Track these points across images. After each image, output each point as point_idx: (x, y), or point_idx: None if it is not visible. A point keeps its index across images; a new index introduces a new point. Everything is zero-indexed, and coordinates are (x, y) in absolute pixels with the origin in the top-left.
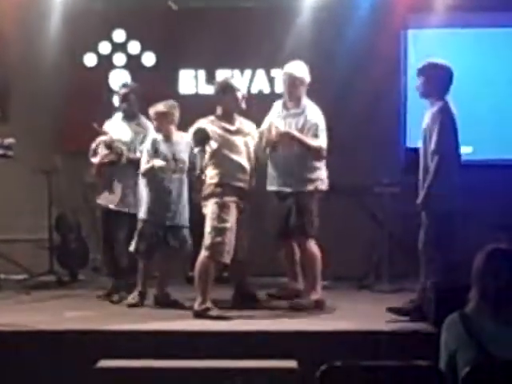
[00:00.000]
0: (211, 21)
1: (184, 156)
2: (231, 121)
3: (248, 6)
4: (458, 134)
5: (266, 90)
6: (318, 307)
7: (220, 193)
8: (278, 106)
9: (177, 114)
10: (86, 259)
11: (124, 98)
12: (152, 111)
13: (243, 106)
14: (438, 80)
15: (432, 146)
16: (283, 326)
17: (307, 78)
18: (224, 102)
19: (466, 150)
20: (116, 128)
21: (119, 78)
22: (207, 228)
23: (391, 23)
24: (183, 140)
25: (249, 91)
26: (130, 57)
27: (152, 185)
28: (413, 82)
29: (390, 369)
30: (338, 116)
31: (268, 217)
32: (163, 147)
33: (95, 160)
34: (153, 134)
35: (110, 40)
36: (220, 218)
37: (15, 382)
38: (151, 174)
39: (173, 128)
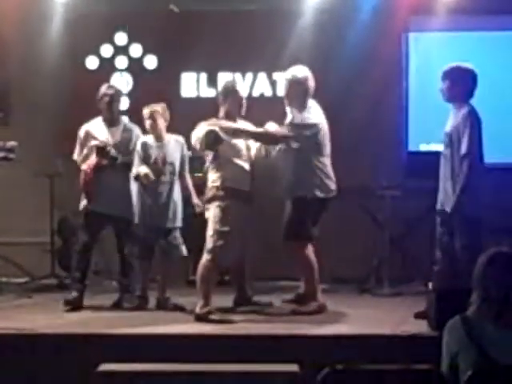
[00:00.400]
0: (213, 24)
1: (175, 158)
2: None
3: (250, 9)
4: (482, 139)
5: (268, 93)
6: (320, 312)
7: (222, 196)
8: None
9: (168, 115)
10: (89, 264)
11: (111, 102)
12: (146, 110)
13: (243, 110)
14: (462, 84)
15: (462, 149)
16: (284, 329)
17: (308, 81)
18: (227, 105)
19: None
20: (101, 132)
21: (121, 81)
22: (209, 231)
23: (392, 26)
24: (173, 141)
25: (250, 94)
26: (131, 60)
27: (143, 188)
28: (414, 85)
29: (392, 372)
30: (339, 118)
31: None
32: (153, 149)
33: (86, 166)
34: (143, 137)
35: (112, 43)
36: (222, 221)
37: None
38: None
39: (164, 129)
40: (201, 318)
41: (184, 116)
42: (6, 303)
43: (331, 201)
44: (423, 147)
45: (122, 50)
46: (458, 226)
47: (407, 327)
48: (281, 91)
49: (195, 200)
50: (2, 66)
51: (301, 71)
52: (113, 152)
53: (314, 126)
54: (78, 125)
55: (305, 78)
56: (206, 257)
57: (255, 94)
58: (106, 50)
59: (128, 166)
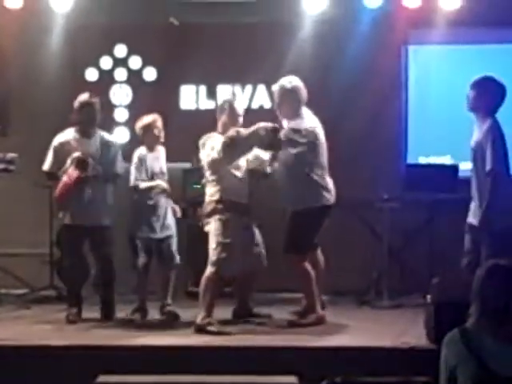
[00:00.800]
0: (212, 36)
1: (165, 168)
2: None
3: (249, 21)
4: (508, 151)
5: (267, 105)
6: (319, 324)
7: (222, 209)
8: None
9: (160, 126)
10: (86, 275)
11: (94, 111)
12: (138, 124)
13: (240, 124)
14: (490, 96)
15: (487, 166)
16: (283, 341)
17: (300, 90)
18: (223, 120)
19: (466, 166)
20: (78, 144)
21: (120, 93)
22: (212, 244)
23: (392, 39)
24: (162, 152)
25: (250, 106)
26: (131, 72)
27: (141, 200)
28: (413, 98)
29: None
30: (338, 130)
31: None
32: (150, 161)
33: (66, 178)
34: (139, 149)
35: (112, 55)
36: (224, 233)
37: None
38: (148, 191)
39: (157, 141)
40: (201, 329)
41: (183, 128)
42: (5, 314)
43: (329, 213)
44: (422, 160)
45: (121, 62)
46: (484, 239)
47: (406, 339)
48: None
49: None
50: (1, 77)
51: (291, 81)
52: (93, 164)
53: (311, 132)
54: None
55: (296, 88)
56: (209, 269)
57: (254, 106)
58: (106, 62)
59: (107, 178)
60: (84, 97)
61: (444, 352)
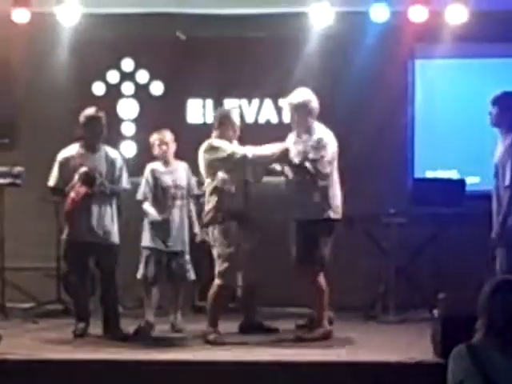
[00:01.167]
0: (219, 50)
1: (183, 182)
2: None
3: (256, 35)
4: None
5: (274, 120)
6: (325, 338)
7: (222, 218)
8: (291, 136)
9: (168, 140)
10: (93, 288)
11: (101, 126)
12: (156, 137)
13: (237, 135)
14: (511, 111)
15: (506, 181)
16: (289, 356)
17: (311, 103)
18: (219, 130)
19: (473, 180)
20: (84, 159)
21: (128, 107)
22: (215, 256)
23: (398, 53)
24: (181, 167)
25: (256, 121)
26: (138, 86)
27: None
28: (420, 112)
29: None
30: (345, 144)
31: (291, 245)
32: (163, 175)
33: (74, 194)
34: (151, 164)
35: (119, 69)
36: (224, 243)
37: None
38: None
39: (172, 154)
40: (209, 342)
41: (190, 142)
42: (11, 328)
43: (338, 224)
44: (429, 174)
45: (128, 77)
46: (499, 251)
47: (413, 354)
48: (286, 117)
49: (196, 229)
50: (9, 91)
51: (303, 94)
52: (101, 180)
53: (328, 146)
54: None
55: (308, 101)
56: (216, 281)
57: (261, 120)
58: (113, 76)
59: (114, 194)
60: (90, 111)
61: (451, 367)
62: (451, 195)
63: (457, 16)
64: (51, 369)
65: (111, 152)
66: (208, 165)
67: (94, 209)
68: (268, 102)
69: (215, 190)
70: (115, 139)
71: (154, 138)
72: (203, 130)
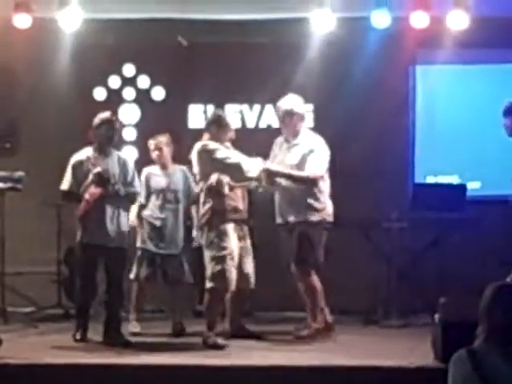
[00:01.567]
0: (220, 56)
1: (179, 186)
2: None
3: (257, 41)
4: None
5: (275, 125)
6: (319, 336)
7: (218, 220)
8: (279, 141)
9: (172, 144)
10: (94, 293)
11: (115, 129)
12: (152, 141)
13: (230, 137)
14: None
15: None
16: (288, 360)
17: (299, 109)
18: (211, 132)
19: (474, 186)
20: (98, 162)
21: (129, 113)
22: (207, 258)
23: (400, 59)
24: (178, 171)
25: (257, 126)
26: (139, 91)
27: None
28: (421, 118)
29: None
30: (346, 150)
31: (281, 251)
32: (158, 179)
33: (89, 196)
34: (147, 168)
35: (120, 74)
36: (219, 246)
37: None
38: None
39: (169, 158)
40: (206, 345)
41: (191, 147)
42: (12, 333)
43: (330, 227)
44: (430, 179)
45: (129, 82)
46: None
47: (414, 359)
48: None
49: (194, 234)
50: (10, 96)
51: (291, 100)
52: (114, 182)
53: (323, 150)
54: None
55: (296, 107)
56: (208, 284)
57: (262, 125)
58: (114, 82)
59: (127, 196)
60: (105, 114)
61: (451, 372)
62: (452, 200)
63: (458, 22)
64: (52, 373)
65: (123, 156)
66: (204, 166)
67: (108, 211)
68: (269, 107)
69: (210, 192)
70: (117, 144)
71: (150, 143)
72: (201, 138)
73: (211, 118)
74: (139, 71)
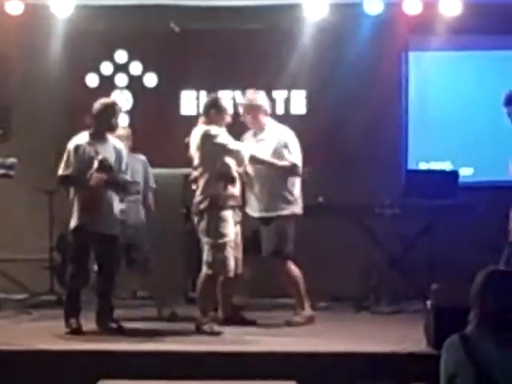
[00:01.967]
0: (213, 42)
1: (139, 177)
2: None
3: (249, 27)
4: None
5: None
6: (311, 322)
7: (217, 206)
8: (247, 136)
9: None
10: (87, 280)
11: (117, 115)
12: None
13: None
14: None
15: None
16: (283, 346)
17: (262, 103)
18: (209, 116)
19: (466, 172)
20: (97, 148)
21: (121, 99)
22: (206, 245)
23: (392, 45)
24: (137, 161)
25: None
26: (131, 77)
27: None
28: (413, 104)
29: None
30: (338, 136)
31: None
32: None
33: (94, 183)
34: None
35: (112, 61)
36: (219, 233)
37: None
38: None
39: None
40: (198, 329)
41: (183, 134)
42: (4, 319)
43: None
44: (422, 165)
45: (121, 68)
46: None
47: (406, 345)
48: (280, 108)
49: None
50: (2, 82)
51: (254, 95)
52: (114, 169)
53: (294, 143)
54: None
55: (259, 101)
56: (206, 271)
57: None
58: (106, 68)
59: (121, 184)
60: (107, 100)
61: (443, 358)
62: (444, 187)
63: (451, 8)
64: (45, 359)
65: (117, 143)
66: (205, 151)
67: (105, 199)
68: (262, 93)
69: (208, 178)
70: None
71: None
72: (197, 122)
73: (209, 102)
74: (131, 57)
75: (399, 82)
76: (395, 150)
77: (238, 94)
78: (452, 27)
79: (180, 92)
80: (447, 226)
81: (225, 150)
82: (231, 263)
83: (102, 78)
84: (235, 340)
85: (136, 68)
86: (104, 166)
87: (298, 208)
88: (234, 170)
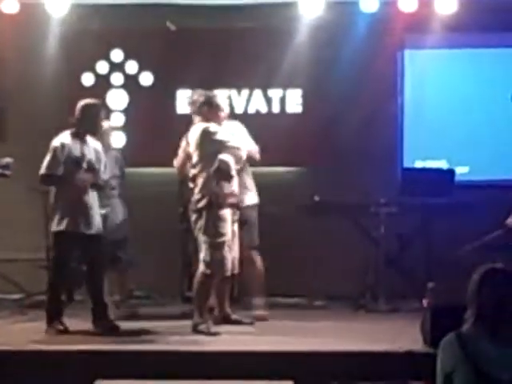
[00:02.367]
0: (209, 41)
1: (118, 172)
2: None
3: (245, 26)
4: None
5: (263, 110)
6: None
7: (216, 204)
8: None
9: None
10: (83, 279)
11: (101, 115)
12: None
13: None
14: None
15: None
16: (279, 346)
17: (216, 100)
18: (203, 114)
19: (462, 170)
20: (77, 147)
21: (117, 98)
22: (204, 244)
23: (388, 43)
24: (112, 157)
25: (246, 111)
26: (127, 77)
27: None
28: (409, 102)
29: None
30: (334, 135)
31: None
32: None
33: (80, 182)
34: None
35: (108, 60)
36: (217, 232)
37: None
38: None
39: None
40: (194, 329)
41: (179, 133)
42: (0, 320)
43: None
44: (418, 164)
45: (117, 67)
46: None
47: (403, 343)
48: (275, 107)
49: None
50: None
51: (205, 93)
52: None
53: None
54: None
55: (212, 98)
56: (203, 270)
57: (251, 110)
58: (102, 67)
59: (103, 185)
60: (90, 100)
61: (440, 356)
62: (440, 185)
63: (446, 6)
64: (41, 360)
65: (95, 144)
66: (204, 148)
67: (89, 199)
68: (257, 92)
69: (220, 175)
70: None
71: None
72: (192, 121)
73: (202, 100)
74: (127, 56)
75: (395, 80)
76: (391, 148)
77: (233, 92)
78: (447, 25)
79: (176, 91)
80: (443, 224)
81: (224, 146)
82: (228, 263)
83: (98, 77)
84: (232, 340)
85: (132, 67)
86: (92, 166)
87: (256, 197)
88: (233, 167)
